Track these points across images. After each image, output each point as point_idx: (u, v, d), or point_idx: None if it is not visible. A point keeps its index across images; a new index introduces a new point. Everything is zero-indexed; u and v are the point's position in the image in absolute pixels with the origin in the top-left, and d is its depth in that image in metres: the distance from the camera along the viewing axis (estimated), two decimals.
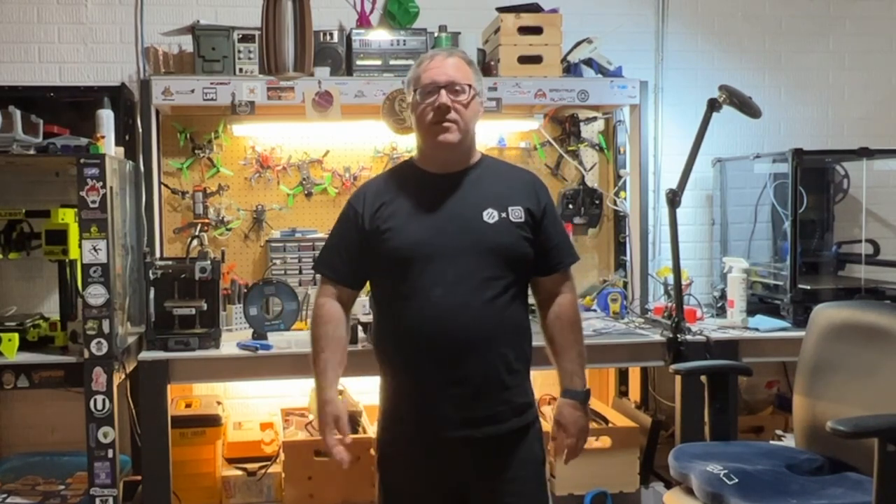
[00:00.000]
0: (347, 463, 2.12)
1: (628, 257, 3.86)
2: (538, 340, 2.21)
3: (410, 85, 2.16)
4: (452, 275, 2.04)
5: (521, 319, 2.15)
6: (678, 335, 3.21)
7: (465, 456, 2.09)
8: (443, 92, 2.07)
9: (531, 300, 2.23)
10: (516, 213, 2.11)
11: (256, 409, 3.79)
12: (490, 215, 2.09)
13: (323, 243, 3.54)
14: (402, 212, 2.12)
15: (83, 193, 2.84)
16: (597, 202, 3.96)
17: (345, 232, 2.20)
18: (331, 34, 3.55)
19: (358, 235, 2.15)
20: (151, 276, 3.14)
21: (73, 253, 2.98)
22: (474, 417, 2.06)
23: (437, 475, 2.12)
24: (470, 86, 2.11)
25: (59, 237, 3.00)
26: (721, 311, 3.61)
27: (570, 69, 3.69)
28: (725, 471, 2.37)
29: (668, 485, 3.15)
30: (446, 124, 2.08)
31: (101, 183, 2.84)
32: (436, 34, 3.60)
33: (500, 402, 2.08)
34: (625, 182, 3.87)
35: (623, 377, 3.98)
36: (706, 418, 2.77)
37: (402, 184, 2.18)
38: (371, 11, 3.76)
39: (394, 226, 2.10)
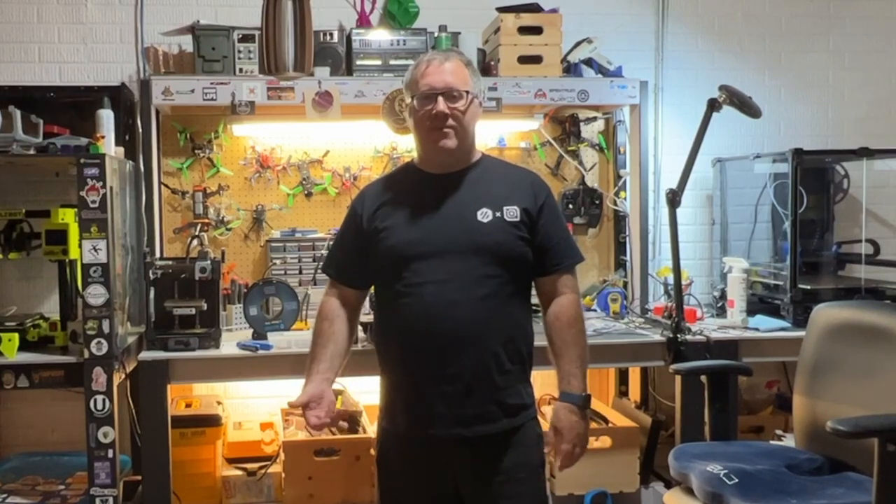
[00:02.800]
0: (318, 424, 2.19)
1: (628, 257, 3.86)
2: (541, 341, 2.21)
3: (408, 89, 2.16)
4: (445, 273, 2.06)
5: (518, 319, 2.14)
6: (678, 335, 3.21)
7: (458, 456, 2.10)
8: (440, 99, 2.08)
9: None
10: (511, 213, 2.11)
11: (256, 409, 3.79)
12: (484, 214, 2.10)
13: (323, 243, 3.64)
14: (398, 212, 2.14)
15: (83, 193, 2.84)
16: (597, 202, 3.96)
17: (347, 233, 2.25)
18: (331, 34, 3.55)
19: (358, 236, 2.19)
20: (151, 276, 3.14)
21: (73, 253, 2.98)
22: (465, 416, 2.06)
23: (432, 475, 2.13)
24: (467, 91, 2.11)
25: (59, 237, 2.99)
26: (721, 311, 3.61)
27: (570, 69, 3.68)
28: (725, 471, 2.37)
29: (668, 485, 3.15)
30: (445, 130, 2.09)
31: (101, 183, 2.83)
32: (436, 34, 3.60)
33: (490, 402, 2.08)
34: (625, 182, 3.87)
35: (623, 377, 3.98)
36: (706, 418, 2.77)
37: (401, 185, 2.21)
38: (371, 11, 3.76)
39: (390, 225, 2.13)
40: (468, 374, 2.05)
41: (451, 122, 2.09)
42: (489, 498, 2.11)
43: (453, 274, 2.06)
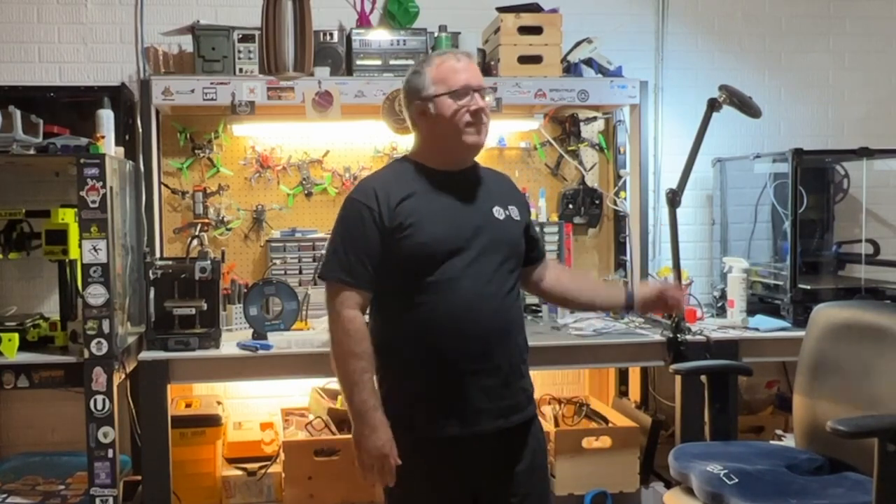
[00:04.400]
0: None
1: (628, 257, 3.86)
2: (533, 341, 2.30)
3: (434, 84, 2.10)
4: (478, 267, 2.08)
5: (522, 312, 2.27)
6: (678, 335, 3.21)
7: (486, 450, 2.09)
8: (477, 95, 2.11)
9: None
10: (514, 212, 2.21)
11: (256, 409, 3.79)
12: (499, 212, 2.17)
13: (323, 243, 3.62)
14: (422, 207, 2.08)
15: (83, 193, 2.84)
16: (597, 202, 3.96)
17: (360, 233, 2.07)
18: (331, 34, 3.55)
19: (379, 234, 2.06)
20: (151, 276, 3.14)
21: (73, 253, 2.98)
22: (504, 407, 2.10)
23: (453, 477, 2.08)
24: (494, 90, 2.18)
25: (59, 237, 2.99)
26: (721, 311, 3.61)
27: (570, 69, 3.69)
28: (725, 471, 2.38)
29: (668, 485, 3.15)
30: (480, 127, 2.12)
31: (101, 183, 2.84)
32: (436, 34, 3.60)
33: (520, 391, 2.16)
34: (625, 182, 3.87)
35: (623, 377, 3.98)
36: (706, 418, 2.77)
37: (413, 180, 2.13)
38: (371, 11, 3.76)
39: (416, 221, 2.05)
40: (506, 366, 2.11)
41: (484, 118, 2.13)
42: (512, 487, 2.12)
43: (485, 268, 2.09)
